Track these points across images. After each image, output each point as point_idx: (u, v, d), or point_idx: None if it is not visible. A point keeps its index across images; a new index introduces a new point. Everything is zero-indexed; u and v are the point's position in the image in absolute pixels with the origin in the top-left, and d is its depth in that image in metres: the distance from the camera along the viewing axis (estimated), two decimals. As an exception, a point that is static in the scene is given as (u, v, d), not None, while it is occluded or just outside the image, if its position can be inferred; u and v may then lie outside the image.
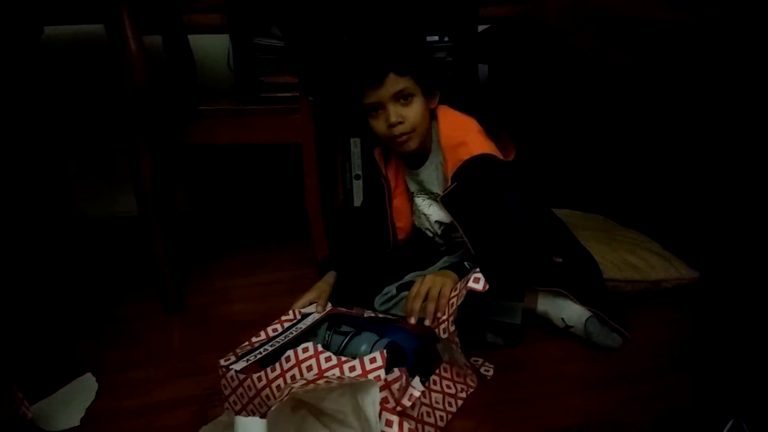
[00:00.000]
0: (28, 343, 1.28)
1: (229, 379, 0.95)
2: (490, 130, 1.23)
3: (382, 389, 0.85)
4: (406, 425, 0.83)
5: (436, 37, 1.91)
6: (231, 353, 1.02)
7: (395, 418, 0.83)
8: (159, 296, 1.43)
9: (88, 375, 1.14)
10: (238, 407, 0.96)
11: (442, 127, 1.20)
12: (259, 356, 0.99)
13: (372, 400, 0.83)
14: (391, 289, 1.24)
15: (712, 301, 1.37)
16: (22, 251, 1.47)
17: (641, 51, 1.54)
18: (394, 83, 1.12)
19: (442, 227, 1.29)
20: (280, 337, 1.06)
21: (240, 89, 1.96)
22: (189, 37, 1.84)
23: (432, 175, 1.25)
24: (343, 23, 1.33)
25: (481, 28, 2.00)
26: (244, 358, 0.98)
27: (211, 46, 2.01)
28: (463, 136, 1.18)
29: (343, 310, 1.21)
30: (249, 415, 0.95)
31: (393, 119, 1.14)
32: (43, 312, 1.41)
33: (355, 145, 2.00)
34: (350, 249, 1.34)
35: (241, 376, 0.94)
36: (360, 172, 2.02)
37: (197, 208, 2.14)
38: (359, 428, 0.83)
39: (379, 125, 1.17)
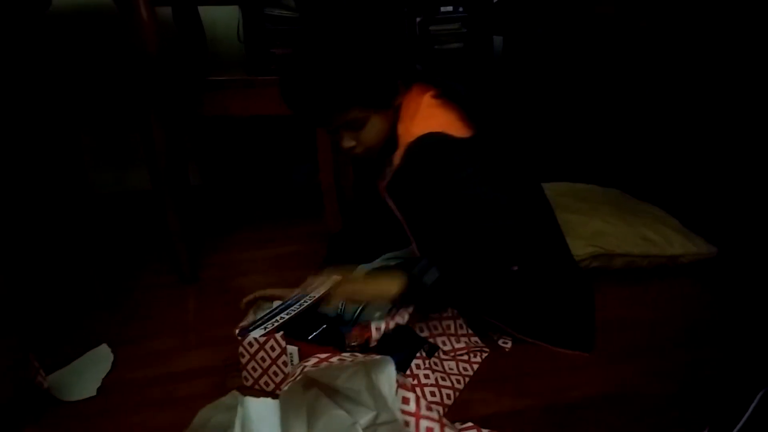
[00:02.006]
0: (44, 314, 1.28)
1: (248, 346, 0.96)
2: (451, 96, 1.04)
3: None
4: (423, 402, 0.82)
5: (450, 8, 1.87)
6: (243, 322, 1.02)
7: (412, 395, 0.82)
8: (173, 269, 1.43)
9: (104, 346, 1.14)
10: (258, 373, 0.97)
11: (401, 114, 1.06)
12: (276, 324, 0.99)
13: (387, 378, 0.82)
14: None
15: (730, 275, 1.36)
16: (38, 225, 1.46)
17: (666, 17, 1.50)
18: (339, 119, 1.02)
19: None
20: (295, 306, 1.06)
21: (250, 61, 1.93)
22: (199, 8, 1.82)
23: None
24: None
25: (495, -1, 1.96)
26: (262, 326, 0.98)
27: (221, 17, 1.99)
28: (412, 116, 1.03)
29: None
30: (270, 382, 0.97)
31: (345, 145, 1.05)
32: (58, 284, 1.41)
33: (367, 120, 1.97)
34: (358, 228, 1.30)
35: (262, 339, 0.94)
36: (372, 147, 2.00)
37: (209, 182, 2.13)
38: (373, 406, 0.82)
39: (337, 142, 1.09)
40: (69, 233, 1.31)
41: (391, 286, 0.94)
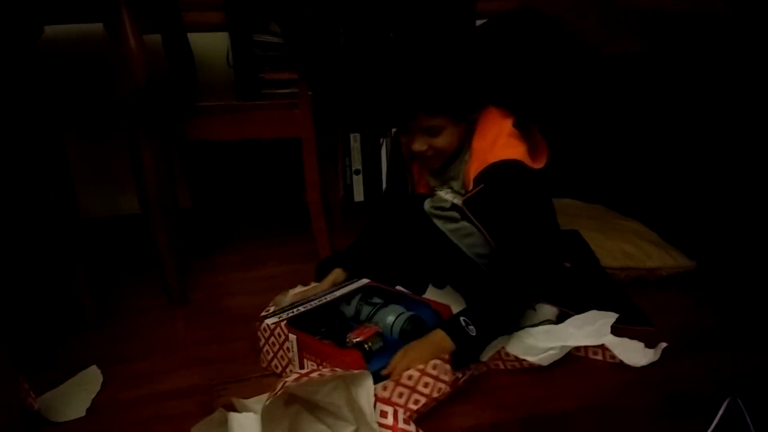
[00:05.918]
0: (34, 336, 1.30)
1: (263, 331, 1.09)
2: (526, 129, 1.16)
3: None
4: (400, 415, 0.84)
5: (432, 32, 1.92)
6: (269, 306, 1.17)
7: (390, 409, 0.84)
8: (163, 290, 1.45)
9: (93, 367, 1.15)
10: (270, 356, 1.10)
11: (478, 130, 1.16)
12: (291, 315, 1.09)
13: (366, 392, 0.85)
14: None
15: (708, 287, 1.39)
16: (29, 249, 1.49)
17: (645, 41, 1.55)
18: (424, 121, 1.08)
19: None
20: (314, 301, 1.14)
21: (240, 86, 1.98)
22: (188, 35, 1.86)
23: (459, 170, 1.21)
24: (342, 17, 1.34)
25: (478, 22, 2.01)
26: (278, 315, 1.09)
27: (211, 44, 2.03)
28: (493, 139, 1.14)
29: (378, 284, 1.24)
30: (279, 365, 1.07)
31: (416, 148, 1.12)
32: (49, 306, 1.43)
33: (355, 140, 2.02)
34: (367, 244, 1.33)
35: (272, 326, 1.06)
36: (360, 167, 2.04)
37: (199, 205, 2.16)
38: (353, 420, 0.85)
39: (404, 141, 1.16)
40: (59, 255, 1.34)
41: (445, 342, 1.00)
